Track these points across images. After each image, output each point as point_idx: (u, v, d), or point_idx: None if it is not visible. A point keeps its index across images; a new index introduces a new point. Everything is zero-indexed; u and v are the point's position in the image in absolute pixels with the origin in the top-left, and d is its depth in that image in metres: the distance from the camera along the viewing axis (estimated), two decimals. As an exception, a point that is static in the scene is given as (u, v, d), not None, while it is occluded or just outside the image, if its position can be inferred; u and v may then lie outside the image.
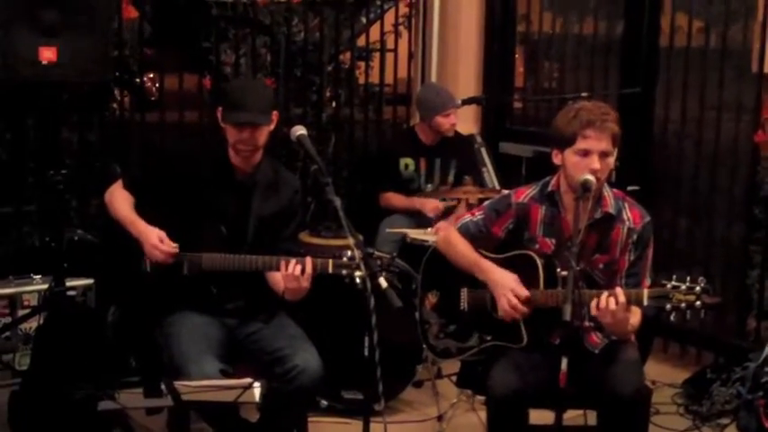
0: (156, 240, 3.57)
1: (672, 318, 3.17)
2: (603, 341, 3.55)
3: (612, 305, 3.18)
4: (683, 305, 3.13)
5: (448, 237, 3.70)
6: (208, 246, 3.60)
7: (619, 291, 3.21)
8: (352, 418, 4.25)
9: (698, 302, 3.12)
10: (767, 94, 4.94)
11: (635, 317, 3.36)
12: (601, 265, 3.49)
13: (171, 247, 3.58)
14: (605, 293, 3.21)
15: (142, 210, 3.66)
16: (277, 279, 3.60)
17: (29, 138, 4.90)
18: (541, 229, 3.54)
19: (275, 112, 3.70)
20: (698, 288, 3.13)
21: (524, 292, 3.43)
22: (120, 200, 3.70)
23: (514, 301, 3.43)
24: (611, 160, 3.40)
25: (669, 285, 3.17)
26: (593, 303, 3.23)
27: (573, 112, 3.40)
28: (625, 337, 3.48)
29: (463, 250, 3.63)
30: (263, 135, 3.62)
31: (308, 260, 3.48)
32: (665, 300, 3.16)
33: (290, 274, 3.48)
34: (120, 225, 3.66)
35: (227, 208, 3.69)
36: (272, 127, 3.68)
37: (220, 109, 3.65)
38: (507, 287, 3.45)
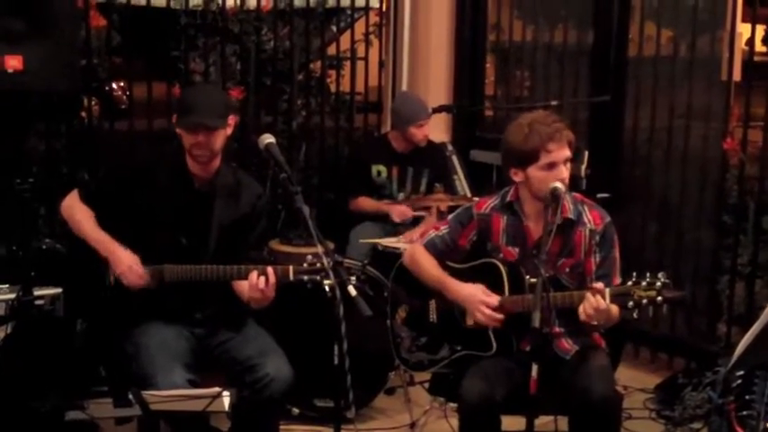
0: (132, 262, 3.56)
1: (635, 315, 3.18)
2: (574, 347, 3.56)
3: (603, 304, 3.20)
4: (645, 301, 3.15)
5: (414, 254, 3.71)
6: (168, 257, 3.58)
7: (600, 285, 3.22)
8: (324, 425, 4.24)
9: (659, 298, 3.14)
10: (736, 102, 4.98)
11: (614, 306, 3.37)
12: (567, 269, 3.51)
13: (143, 271, 3.57)
14: (588, 294, 3.22)
15: (104, 222, 3.64)
16: (243, 287, 3.58)
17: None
18: (504, 238, 3.56)
19: (232, 117, 3.66)
20: (658, 283, 3.15)
21: (493, 301, 3.44)
22: (82, 216, 3.65)
23: (488, 312, 3.44)
24: (569, 165, 3.44)
25: (630, 282, 3.19)
26: (581, 309, 3.24)
27: (526, 128, 3.39)
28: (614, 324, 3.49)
29: (429, 269, 3.64)
30: (218, 139, 3.58)
31: (270, 270, 3.47)
32: (626, 297, 3.18)
33: (253, 286, 3.47)
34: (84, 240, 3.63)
35: (187, 217, 3.65)
36: (228, 132, 3.64)
37: (175, 115, 3.62)
38: (477, 301, 3.47)
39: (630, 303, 3.17)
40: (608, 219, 3.52)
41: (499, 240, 3.57)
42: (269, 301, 3.53)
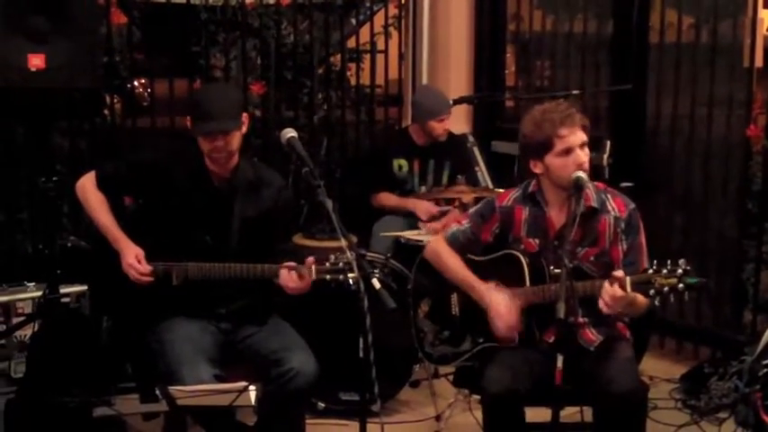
0: (133, 259, 3.60)
1: (656, 302, 3.17)
2: (598, 338, 3.54)
3: (619, 292, 3.18)
4: (666, 289, 3.12)
5: (437, 248, 3.72)
6: (192, 255, 3.60)
7: (620, 273, 3.20)
8: (350, 419, 4.25)
9: (680, 285, 3.12)
10: (759, 88, 4.94)
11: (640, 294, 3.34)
12: (591, 258, 3.50)
13: (146, 268, 3.59)
14: (606, 283, 3.21)
15: (115, 212, 3.69)
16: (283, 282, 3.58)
17: (19, 145, 4.88)
18: (525, 229, 3.56)
19: (245, 114, 3.67)
20: (679, 270, 3.13)
21: (514, 316, 3.45)
22: (96, 202, 3.69)
23: (506, 326, 3.45)
24: (588, 150, 3.43)
25: (650, 270, 3.17)
26: (600, 301, 3.23)
27: (536, 118, 3.42)
28: (642, 313, 3.48)
29: (453, 265, 3.66)
30: (235, 140, 3.60)
31: (297, 269, 3.49)
32: (647, 285, 3.16)
33: (285, 283, 3.51)
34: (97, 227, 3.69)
35: (209, 215, 3.67)
36: (243, 130, 3.65)
37: (189, 119, 3.63)
38: (498, 313, 3.46)
39: (652, 291, 3.15)
40: (632, 206, 3.52)
41: (520, 232, 3.57)
42: (308, 289, 3.55)
